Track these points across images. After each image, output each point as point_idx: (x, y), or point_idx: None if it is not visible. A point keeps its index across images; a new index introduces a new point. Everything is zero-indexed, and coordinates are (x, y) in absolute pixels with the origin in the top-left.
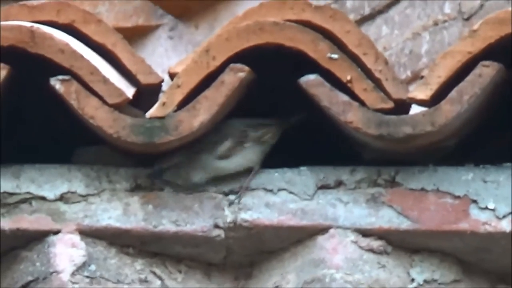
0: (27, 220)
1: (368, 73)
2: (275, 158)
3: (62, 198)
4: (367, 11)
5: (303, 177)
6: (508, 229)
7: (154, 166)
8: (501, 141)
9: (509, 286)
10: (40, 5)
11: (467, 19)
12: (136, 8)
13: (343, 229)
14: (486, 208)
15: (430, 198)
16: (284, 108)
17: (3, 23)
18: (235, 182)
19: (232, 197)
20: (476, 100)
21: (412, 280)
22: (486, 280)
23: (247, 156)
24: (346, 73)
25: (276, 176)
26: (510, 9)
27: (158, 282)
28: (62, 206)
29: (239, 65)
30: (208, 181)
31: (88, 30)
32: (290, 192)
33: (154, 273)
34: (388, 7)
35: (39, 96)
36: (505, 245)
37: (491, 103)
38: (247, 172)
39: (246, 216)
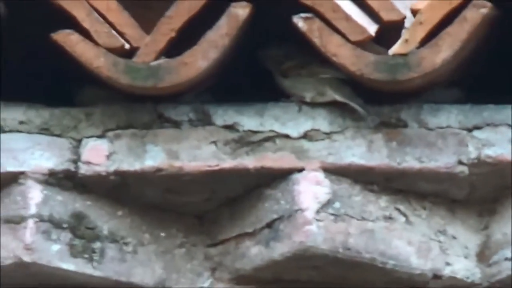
0: (270, 158)
1: None
2: None
3: (305, 135)
4: None
5: None
6: None
7: None
8: None
9: None
10: None
11: None
12: None
13: None
14: None
15: None
16: None
17: None
18: (478, 117)
19: (476, 133)
20: None
21: None
22: None
23: None
24: None
25: None
26: None
27: (403, 219)
28: (306, 144)
29: (481, 1)
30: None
31: None
32: None
33: (399, 210)
34: None
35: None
36: None
37: None
38: None
39: (490, 152)
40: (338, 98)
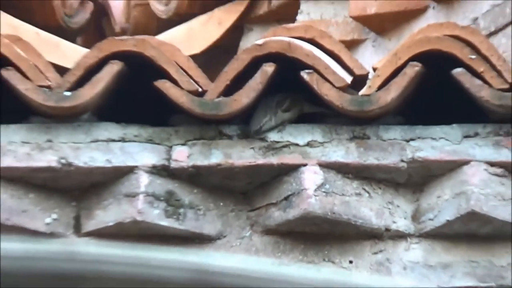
0: (287, 158)
1: (493, 67)
2: (437, 119)
3: (308, 144)
4: (492, 28)
5: (454, 130)
6: None
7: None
8: None
9: None
10: (294, 27)
11: None
12: (352, 28)
13: (478, 162)
14: None
15: None
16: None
17: (272, 38)
18: (412, 133)
19: (411, 143)
20: None
21: None
22: None
23: None
24: (480, 67)
25: (438, 130)
26: None
27: (367, 195)
28: (308, 149)
29: (415, 63)
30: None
31: (323, 42)
32: (446, 140)
33: (364, 189)
34: (506, 25)
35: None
36: None
37: None
38: None
39: (420, 154)
40: (310, 110)
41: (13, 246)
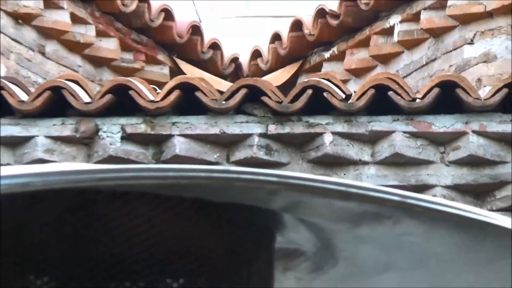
0: (317, 129)
1: (405, 91)
2: (382, 112)
3: (326, 123)
4: (405, 74)
5: (388, 117)
6: None
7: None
8: None
9: None
10: (320, 74)
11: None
12: (345, 74)
13: (399, 131)
14: None
15: None
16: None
17: (310, 78)
18: (371, 119)
19: (370, 123)
20: None
21: None
22: None
23: None
24: (400, 91)
25: (381, 118)
26: None
27: (351, 145)
28: (326, 126)
29: (371, 89)
30: None
31: (333, 80)
32: (385, 122)
33: (350, 143)
34: (411, 73)
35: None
36: None
37: None
38: None
39: (374, 128)
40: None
41: (198, 166)
